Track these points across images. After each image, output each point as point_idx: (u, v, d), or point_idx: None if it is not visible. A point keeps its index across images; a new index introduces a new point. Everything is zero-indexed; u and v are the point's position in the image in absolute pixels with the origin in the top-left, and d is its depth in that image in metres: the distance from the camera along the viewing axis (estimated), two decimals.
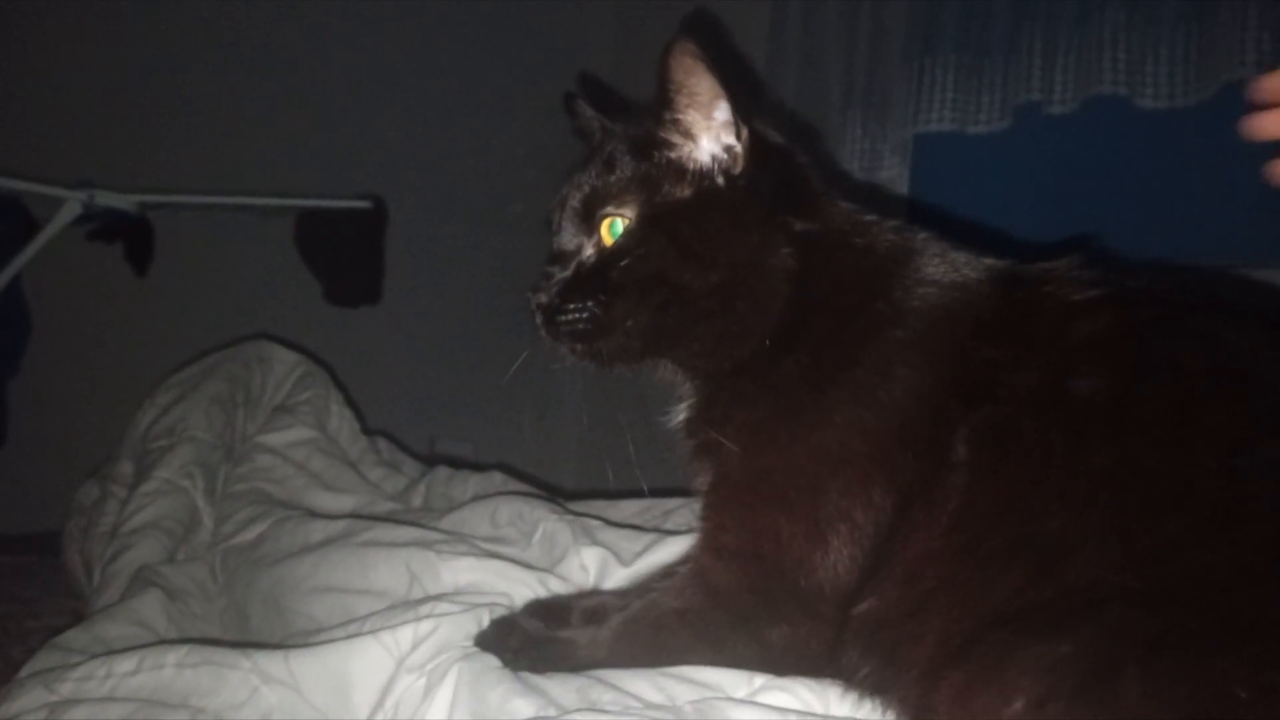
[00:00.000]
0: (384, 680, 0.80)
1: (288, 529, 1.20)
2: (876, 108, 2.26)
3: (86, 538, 1.39)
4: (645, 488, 1.10)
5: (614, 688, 0.75)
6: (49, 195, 1.82)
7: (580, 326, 0.80)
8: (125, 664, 0.89)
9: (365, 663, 0.81)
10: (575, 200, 0.84)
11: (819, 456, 0.75)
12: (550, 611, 0.91)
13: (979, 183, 2.22)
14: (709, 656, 0.78)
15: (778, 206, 0.82)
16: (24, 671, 0.96)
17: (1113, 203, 2.04)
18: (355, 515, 1.26)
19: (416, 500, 1.45)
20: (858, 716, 0.75)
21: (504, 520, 1.18)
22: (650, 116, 0.83)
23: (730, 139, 0.82)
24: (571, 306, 0.81)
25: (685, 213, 0.81)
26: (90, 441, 1.61)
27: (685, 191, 0.82)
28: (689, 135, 0.82)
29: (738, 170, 0.82)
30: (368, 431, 1.64)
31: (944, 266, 0.81)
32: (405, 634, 0.82)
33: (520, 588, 0.97)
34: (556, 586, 0.99)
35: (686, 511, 1.17)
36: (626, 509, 1.30)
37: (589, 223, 0.83)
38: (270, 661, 0.84)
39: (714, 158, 0.82)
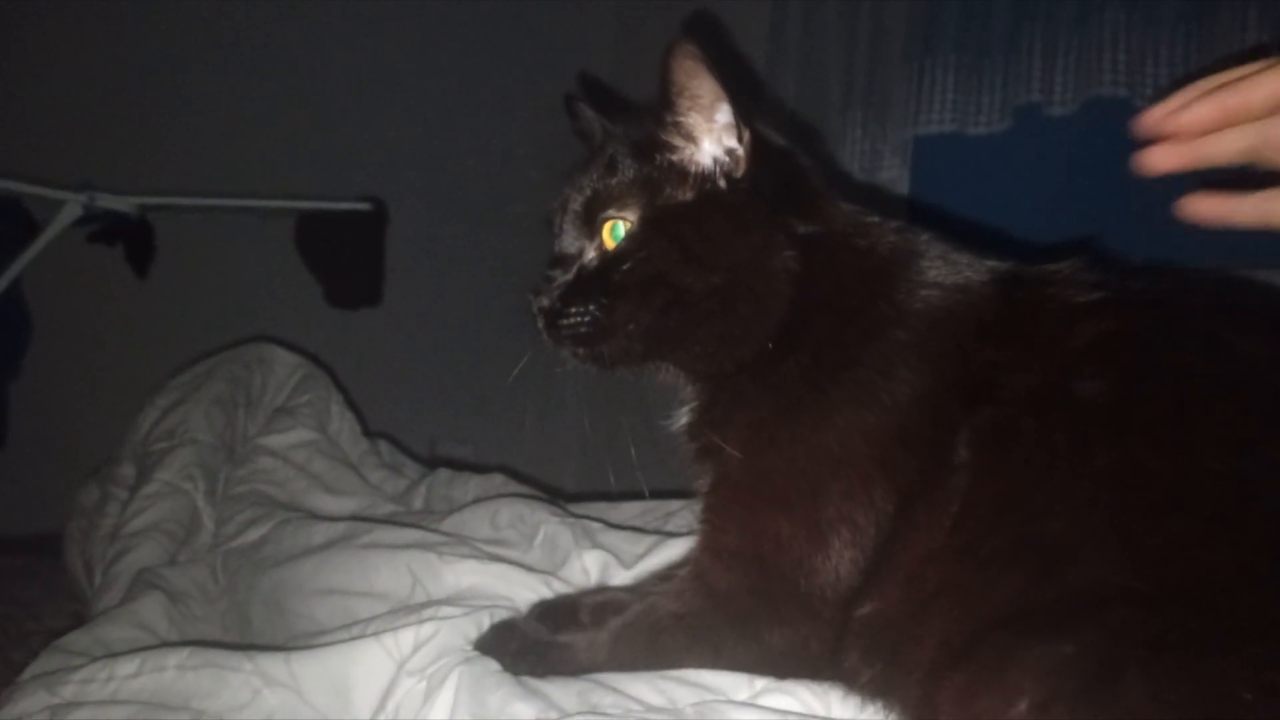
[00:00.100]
0: (385, 683, 0.80)
1: (289, 531, 1.20)
2: (876, 108, 2.26)
3: (87, 540, 1.39)
4: (646, 490, 1.10)
5: (615, 691, 0.75)
6: (49, 197, 1.83)
7: (582, 330, 0.80)
8: (127, 666, 0.89)
9: (366, 665, 0.81)
10: (576, 203, 0.84)
11: (820, 458, 0.75)
12: (558, 611, 0.91)
13: (979, 184, 2.22)
14: (709, 659, 0.78)
15: (779, 208, 0.82)
16: (25, 674, 0.96)
17: (1113, 203, 2.03)
18: (356, 517, 1.26)
19: (417, 502, 1.45)
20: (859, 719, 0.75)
21: (505, 522, 1.18)
22: (651, 119, 0.83)
23: (732, 141, 0.82)
24: (573, 310, 0.80)
25: (687, 215, 0.81)
26: (91, 443, 1.61)
27: (687, 194, 0.81)
28: (690, 138, 0.82)
29: (739, 172, 0.82)
30: (369, 433, 1.64)
31: (946, 268, 0.80)
32: (406, 637, 0.82)
33: (522, 591, 0.97)
34: (558, 589, 0.99)
35: (688, 513, 1.17)
36: (628, 511, 1.30)
37: (590, 225, 0.83)
38: (272, 664, 0.84)
39: (716, 160, 0.82)
